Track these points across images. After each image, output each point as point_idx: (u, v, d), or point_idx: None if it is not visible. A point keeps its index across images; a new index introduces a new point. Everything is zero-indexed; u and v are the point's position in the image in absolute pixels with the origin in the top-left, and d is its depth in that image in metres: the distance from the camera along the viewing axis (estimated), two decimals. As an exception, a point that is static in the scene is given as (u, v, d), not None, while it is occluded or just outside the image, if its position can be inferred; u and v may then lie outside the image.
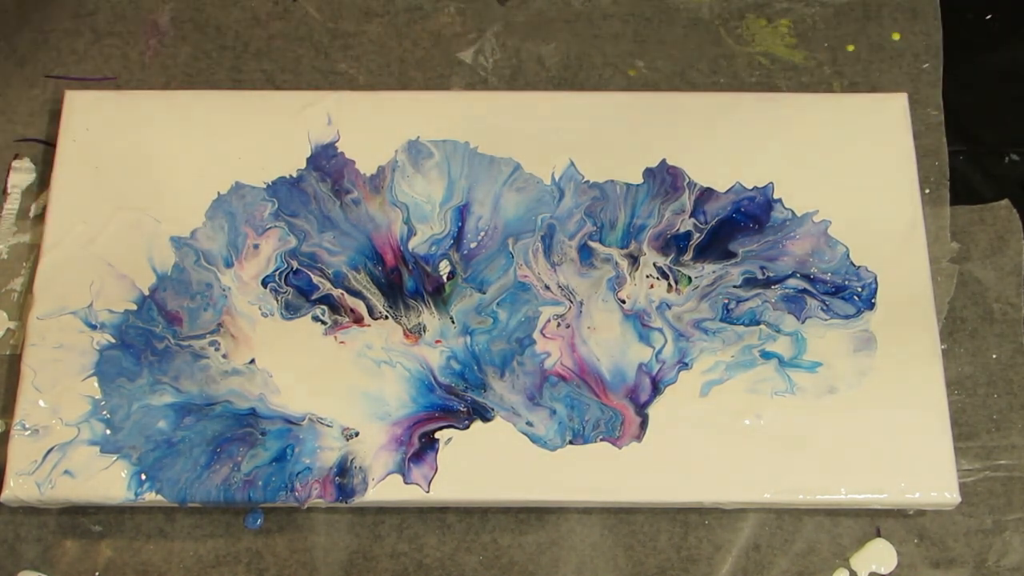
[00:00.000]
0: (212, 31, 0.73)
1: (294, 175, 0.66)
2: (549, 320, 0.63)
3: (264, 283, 0.63)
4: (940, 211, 0.69)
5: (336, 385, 0.61)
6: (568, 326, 0.63)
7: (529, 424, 0.61)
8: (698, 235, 0.65)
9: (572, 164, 0.66)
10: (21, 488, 0.59)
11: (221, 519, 0.63)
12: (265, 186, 0.65)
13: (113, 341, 0.62)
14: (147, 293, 0.63)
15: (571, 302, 0.63)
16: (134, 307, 0.63)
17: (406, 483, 0.60)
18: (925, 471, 0.60)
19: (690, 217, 0.65)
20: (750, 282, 0.64)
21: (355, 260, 0.64)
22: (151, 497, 0.59)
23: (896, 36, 0.74)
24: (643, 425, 0.61)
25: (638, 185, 0.66)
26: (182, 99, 0.68)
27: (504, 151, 0.66)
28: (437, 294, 0.64)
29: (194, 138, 0.66)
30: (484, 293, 0.63)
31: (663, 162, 0.66)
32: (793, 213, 0.65)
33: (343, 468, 0.60)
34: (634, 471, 0.60)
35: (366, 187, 0.66)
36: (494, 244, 0.65)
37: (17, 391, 0.61)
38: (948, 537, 0.63)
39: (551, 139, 0.66)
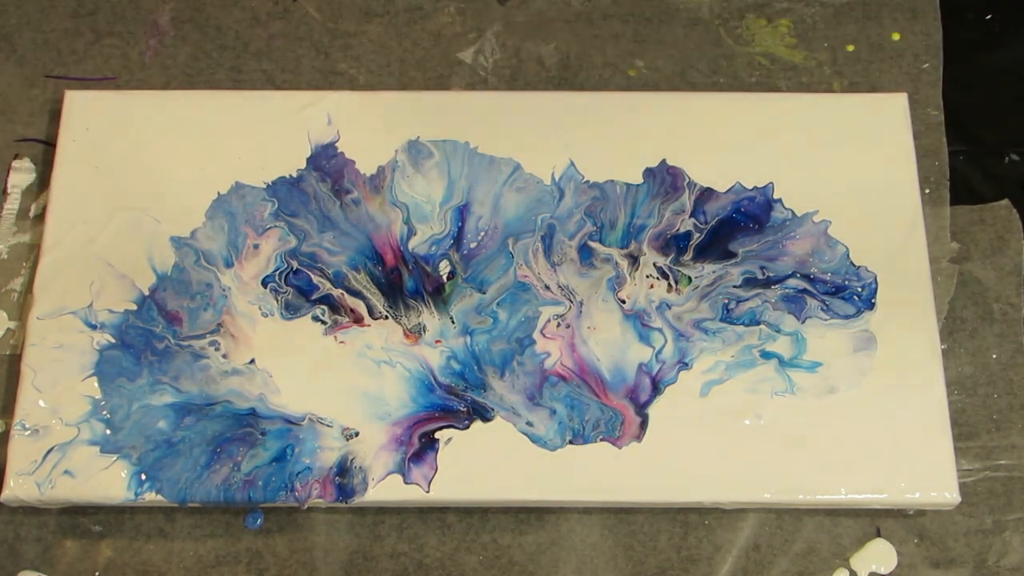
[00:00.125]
0: (212, 31, 0.73)
1: (294, 175, 0.66)
2: (549, 320, 0.63)
3: (264, 283, 0.63)
4: (940, 211, 0.69)
5: (336, 385, 0.61)
6: (568, 326, 0.63)
7: (529, 424, 0.61)
8: (698, 235, 0.65)
9: (572, 164, 0.66)
10: (21, 488, 0.59)
11: (221, 519, 0.63)
12: (265, 186, 0.65)
13: (113, 341, 0.62)
14: (147, 293, 0.63)
15: (571, 302, 0.63)
16: (134, 307, 0.63)
17: (406, 483, 0.60)
18: (925, 471, 0.60)
19: (690, 217, 0.65)
20: (750, 282, 0.64)
21: (355, 260, 0.64)
22: (151, 497, 0.59)
23: (896, 36, 0.74)
24: (643, 425, 0.61)
25: (638, 185, 0.66)
26: (182, 99, 0.68)
27: (504, 151, 0.66)
28: (437, 294, 0.64)
29: (194, 138, 0.66)
30: (484, 293, 0.63)
31: (663, 162, 0.66)
32: (793, 213, 0.65)
33: (343, 468, 0.60)
34: (634, 471, 0.60)
35: (366, 187, 0.66)
36: (494, 244, 0.65)
37: (17, 391, 0.61)
38: (948, 537, 0.63)
39: (551, 139, 0.66)
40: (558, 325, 0.63)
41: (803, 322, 0.63)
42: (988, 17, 0.76)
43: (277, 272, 0.64)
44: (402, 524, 0.63)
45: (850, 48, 0.73)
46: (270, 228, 0.65)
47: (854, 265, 0.64)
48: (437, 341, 0.63)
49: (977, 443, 0.65)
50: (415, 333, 0.63)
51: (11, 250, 0.68)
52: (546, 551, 0.62)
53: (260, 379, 0.61)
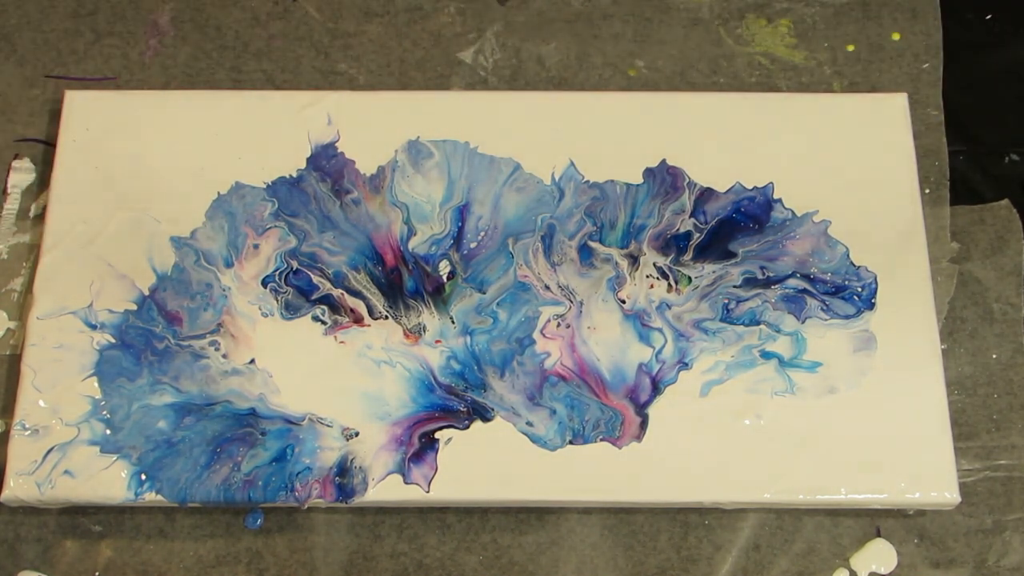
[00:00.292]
0: (212, 31, 0.73)
1: (294, 175, 0.66)
2: (549, 320, 0.63)
3: (264, 283, 0.63)
4: (940, 211, 0.69)
5: (336, 385, 0.61)
6: (568, 326, 0.63)
7: (529, 424, 0.61)
8: (698, 235, 0.65)
9: (572, 164, 0.66)
10: (21, 488, 0.59)
11: (221, 519, 0.63)
12: (265, 186, 0.65)
13: (113, 341, 0.62)
14: (147, 293, 0.63)
15: (571, 302, 0.63)
16: (134, 307, 0.63)
17: (406, 483, 0.60)
18: (925, 471, 0.60)
19: (690, 217, 0.65)
20: (750, 282, 0.64)
21: (355, 260, 0.64)
22: (151, 497, 0.59)
23: (896, 36, 0.74)
24: (643, 425, 0.61)
25: (638, 185, 0.66)
26: (182, 99, 0.68)
27: (504, 151, 0.66)
28: (437, 294, 0.64)
29: (194, 138, 0.66)
30: (484, 293, 0.63)
31: (663, 162, 0.66)
32: (793, 213, 0.65)
33: (343, 468, 0.60)
34: (634, 471, 0.60)
35: (366, 187, 0.66)
36: (494, 244, 0.65)
37: (17, 391, 0.61)
38: (948, 537, 0.63)
39: (551, 139, 0.66)
40: (558, 325, 0.63)
41: (803, 322, 0.63)
42: (988, 17, 0.76)
43: (277, 272, 0.64)
44: (402, 524, 0.63)
45: (850, 48, 0.73)
46: (270, 228, 0.65)
47: (854, 265, 0.64)
48: (437, 341, 0.63)
49: (977, 443, 0.65)
50: (415, 333, 0.63)
51: (11, 250, 0.68)
52: (546, 551, 0.62)
53: (260, 379, 0.61)
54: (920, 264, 0.64)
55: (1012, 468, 0.64)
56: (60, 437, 0.60)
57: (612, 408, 0.61)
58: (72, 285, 0.63)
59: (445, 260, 0.64)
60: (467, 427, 0.61)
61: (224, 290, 0.63)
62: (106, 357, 0.62)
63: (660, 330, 0.63)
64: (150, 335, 0.62)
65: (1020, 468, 0.64)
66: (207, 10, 0.74)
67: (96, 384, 0.61)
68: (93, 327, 0.62)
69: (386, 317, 0.63)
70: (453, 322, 0.63)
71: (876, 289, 0.64)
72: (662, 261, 0.64)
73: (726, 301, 0.63)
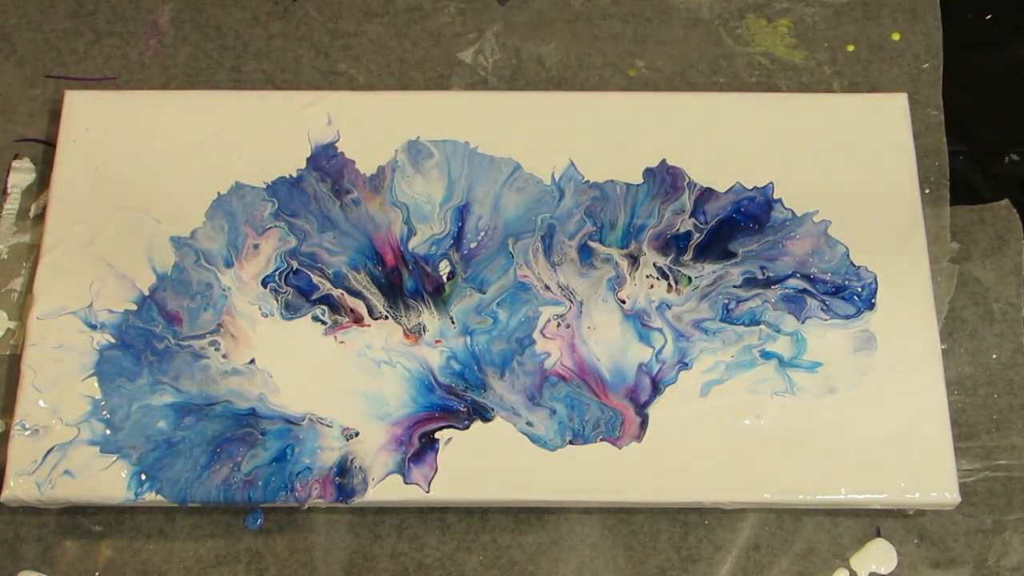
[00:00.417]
0: (212, 31, 0.73)
1: (294, 175, 0.66)
2: (549, 320, 0.63)
3: (264, 283, 0.63)
4: (940, 211, 0.69)
5: (336, 385, 0.61)
6: (568, 326, 0.63)
7: (529, 424, 0.61)
8: (698, 235, 0.65)
9: (572, 164, 0.66)
10: (21, 488, 0.59)
11: (221, 519, 0.63)
12: (265, 186, 0.65)
13: (113, 341, 0.62)
14: (147, 293, 0.63)
15: (571, 302, 0.63)
16: (134, 307, 0.63)
17: (406, 483, 0.60)
18: (925, 471, 0.60)
19: (690, 217, 0.65)
20: (750, 282, 0.64)
21: (355, 260, 0.64)
22: (151, 497, 0.59)
23: (896, 36, 0.74)
24: (643, 425, 0.61)
25: (638, 185, 0.66)
26: (182, 99, 0.68)
27: (504, 151, 0.66)
28: (437, 294, 0.64)
29: (194, 138, 0.66)
30: (484, 293, 0.63)
31: (663, 162, 0.66)
32: (793, 213, 0.65)
33: (343, 468, 0.60)
34: (634, 471, 0.60)
35: (366, 187, 0.66)
36: (494, 244, 0.65)
37: (17, 391, 0.61)
38: (948, 537, 0.63)
39: (551, 139, 0.66)
40: (558, 325, 0.63)
41: (803, 322, 0.63)
42: (988, 17, 0.76)
43: (277, 272, 0.64)
44: (402, 524, 0.63)
45: (850, 48, 0.73)
46: (270, 228, 0.65)
47: (854, 265, 0.64)
48: (437, 341, 0.63)
49: (977, 443, 0.65)
50: (415, 333, 0.63)
51: (11, 250, 0.68)
52: (546, 551, 0.62)
53: (260, 379, 0.61)
54: (920, 264, 0.64)
55: (1012, 468, 0.64)
56: (60, 437, 0.60)
57: (612, 408, 0.61)
58: (72, 285, 0.63)
59: (445, 260, 0.64)
60: (467, 427, 0.61)
61: (224, 290, 0.63)
62: (106, 357, 0.62)
63: (660, 330, 0.63)
64: (150, 335, 0.62)
65: (1020, 468, 0.64)
66: (207, 10, 0.74)
67: (96, 384, 0.61)
68: (93, 327, 0.62)
69: (386, 317, 0.63)
70: (453, 322, 0.63)
71: (876, 289, 0.64)
72: (662, 261, 0.64)
73: (726, 301, 0.63)
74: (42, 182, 0.69)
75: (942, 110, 0.71)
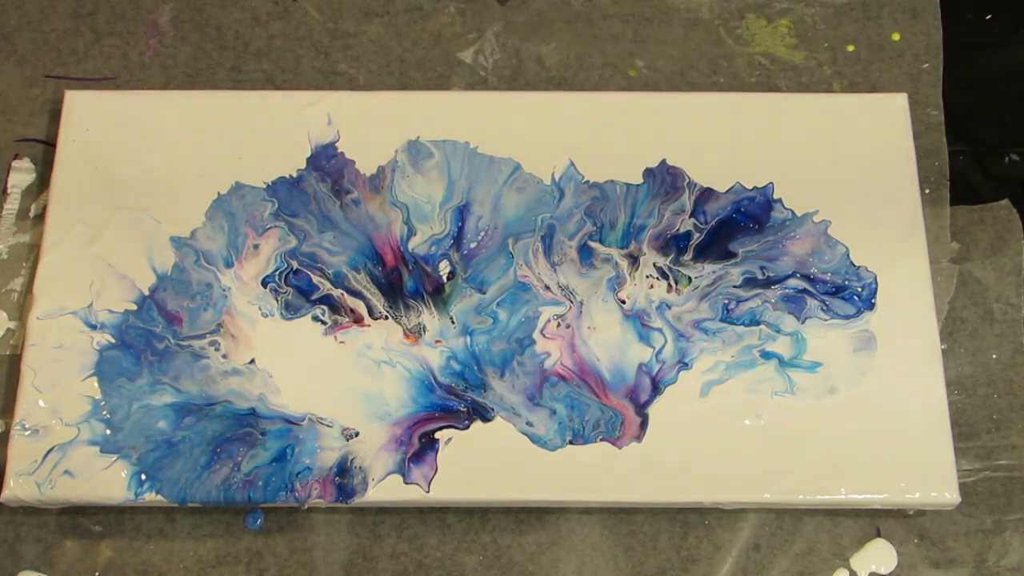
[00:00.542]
0: (212, 31, 0.73)
1: (294, 175, 0.66)
2: (549, 320, 0.63)
3: (264, 283, 0.63)
4: (940, 211, 0.69)
5: (336, 385, 0.61)
6: (568, 326, 0.63)
7: (529, 424, 0.61)
8: (698, 235, 0.65)
9: (572, 164, 0.66)
10: (21, 488, 0.59)
11: (221, 519, 0.63)
12: (265, 186, 0.65)
13: (113, 341, 0.62)
14: (147, 293, 0.63)
15: (571, 302, 0.63)
16: (134, 307, 0.63)
17: (406, 483, 0.60)
18: (925, 471, 0.60)
19: (690, 217, 0.65)
20: (750, 282, 0.64)
21: (355, 260, 0.64)
22: (151, 497, 0.59)
23: (896, 36, 0.74)
24: (643, 425, 0.61)
25: (638, 185, 0.66)
26: (182, 99, 0.68)
27: (504, 151, 0.66)
28: (437, 294, 0.64)
29: (194, 138, 0.66)
30: (484, 293, 0.63)
31: (663, 162, 0.66)
32: (793, 213, 0.65)
33: (343, 468, 0.60)
34: (634, 471, 0.60)
35: (366, 187, 0.66)
36: (494, 244, 0.65)
37: (17, 391, 0.61)
38: (948, 537, 0.63)
39: (551, 139, 0.66)
40: (558, 325, 0.63)
41: (803, 322, 0.63)
42: (988, 17, 0.76)
43: (277, 272, 0.64)
44: (402, 524, 0.63)
45: (850, 48, 0.73)
46: (270, 228, 0.65)
47: (854, 265, 0.64)
48: (437, 341, 0.63)
49: (977, 443, 0.65)
50: (415, 333, 0.63)
51: (11, 250, 0.68)
52: (546, 551, 0.62)
53: (260, 379, 0.61)
54: (920, 264, 0.64)
55: (1012, 468, 0.64)
56: (60, 437, 0.60)
57: (612, 408, 0.61)
58: (72, 285, 0.63)
59: (445, 260, 0.64)
60: (467, 427, 0.61)
61: (224, 290, 0.63)
62: (106, 357, 0.62)
63: (660, 330, 0.63)
64: (150, 335, 0.62)
65: (1020, 468, 0.64)
66: (207, 10, 0.74)
67: (96, 384, 0.61)
68: (93, 327, 0.62)
69: (386, 317, 0.63)
70: (453, 322, 0.63)
71: (876, 289, 0.64)
72: (662, 261, 0.64)
73: (726, 301, 0.63)
74: (42, 182, 0.69)
75: (942, 110, 0.71)
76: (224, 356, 0.62)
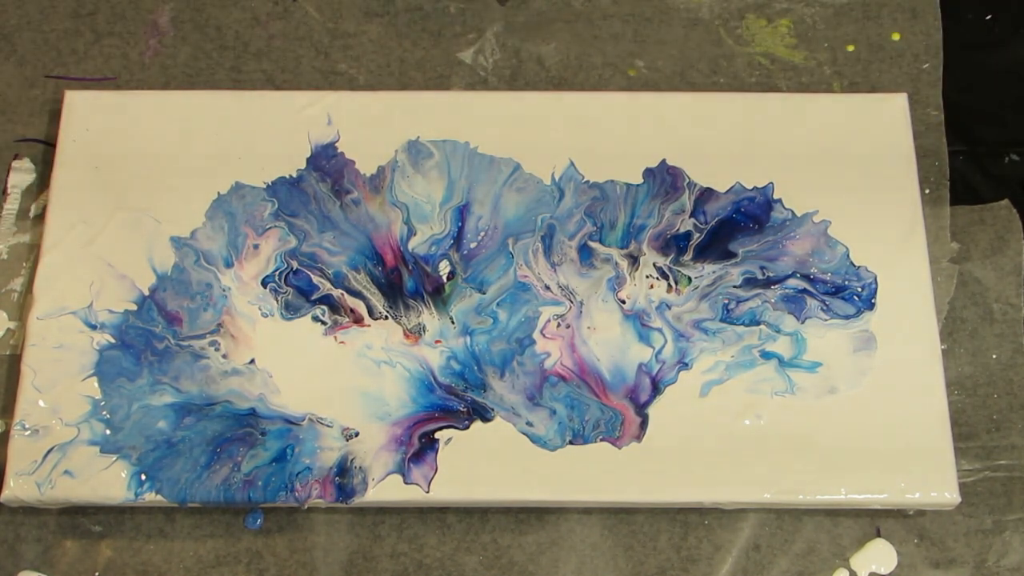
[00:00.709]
0: (212, 31, 0.73)
1: (294, 175, 0.66)
2: (549, 320, 0.63)
3: (264, 283, 0.63)
4: (940, 211, 0.69)
5: (336, 385, 0.61)
6: (568, 326, 0.63)
7: (529, 424, 0.61)
8: (698, 235, 0.65)
9: (572, 164, 0.66)
10: (21, 488, 0.59)
11: (221, 519, 0.63)
12: (265, 186, 0.65)
13: (113, 341, 0.62)
14: (147, 293, 0.63)
15: (571, 302, 0.63)
16: (134, 307, 0.63)
17: (406, 483, 0.60)
18: (925, 471, 0.60)
19: (690, 217, 0.65)
20: (750, 282, 0.64)
21: (355, 260, 0.64)
22: (151, 497, 0.59)
23: (896, 36, 0.74)
24: (643, 425, 0.61)
25: (638, 185, 0.66)
26: (182, 99, 0.68)
27: (504, 151, 0.66)
28: (437, 294, 0.64)
29: (194, 138, 0.66)
30: (484, 293, 0.63)
31: (663, 162, 0.66)
32: (793, 213, 0.65)
33: (343, 468, 0.60)
34: (634, 471, 0.60)
35: (366, 187, 0.66)
36: (494, 244, 0.65)
37: (17, 391, 0.61)
38: (948, 537, 0.63)
39: (551, 139, 0.66)
40: (558, 325, 0.63)
41: (803, 322, 0.63)
42: (988, 17, 0.76)
43: (277, 272, 0.64)
44: (402, 524, 0.63)
45: (850, 48, 0.73)
46: (270, 228, 0.65)
47: (854, 265, 0.64)
48: (437, 341, 0.63)
49: (977, 443, 0.65)
50: (415, 333, 0.63)
51: (11, 250, 0.68)
52: (546, 551, 0.62)
53: (260, 379, 0.61)
54: (920, 264, 0.64)
55: (1012, 468, 0.64)
56: (60, 437, 0.60)
57: (612, 408, 0.61)
58: (72, 285, 0.63)
59: (445, 260, 0.64)
60: (467, 427, 0.61)
61: (224, 290, 0.63)
62: (106, 357, 0.62)
63: (660, 330, 0.63)
64: (150, 335, 0.62)
65: (1020, 468, 0.64)
66: (207, 10, 0.74)
67: (96, 384, 0.61)
68: (93, 327, 0.62)
69: (386, 317, 0.63)
70: (453, 322, 0.63)
71: (876, 289, 0.64)
72: (662, 261, 0.64)
73: (726, 301, 0.63)
74: (42, 182, 0.69)
75: (942, 110, 0.71)
76: (224, 356, 0.62)
